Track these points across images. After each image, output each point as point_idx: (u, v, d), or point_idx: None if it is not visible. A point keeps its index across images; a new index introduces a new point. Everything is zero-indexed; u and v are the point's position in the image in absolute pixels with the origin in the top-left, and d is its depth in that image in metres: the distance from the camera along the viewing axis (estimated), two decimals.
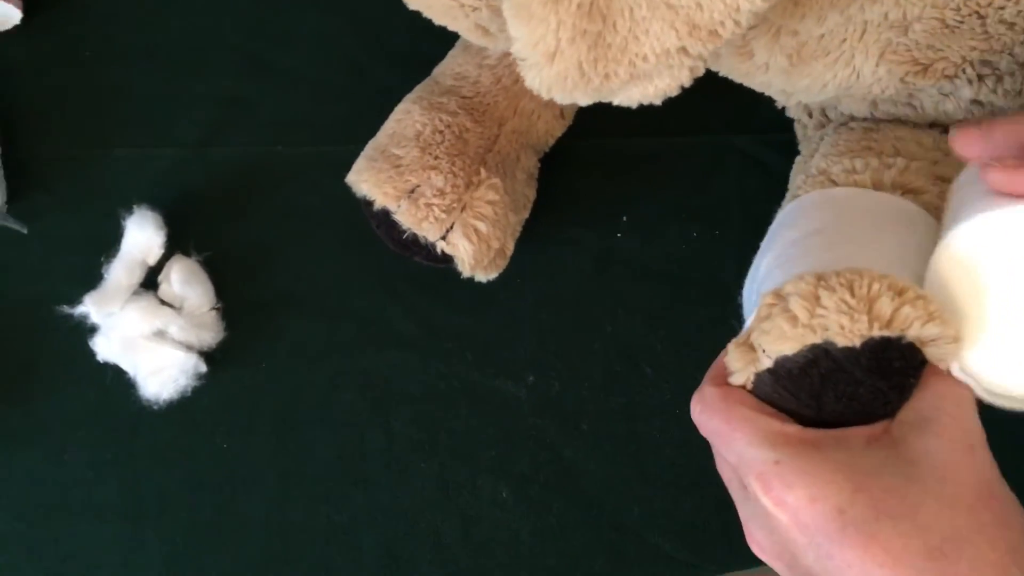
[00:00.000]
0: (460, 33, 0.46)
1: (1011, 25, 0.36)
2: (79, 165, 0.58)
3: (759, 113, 0.53)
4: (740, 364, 0.34)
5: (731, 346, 0.35)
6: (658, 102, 0.34)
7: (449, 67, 0.55)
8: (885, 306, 0.31)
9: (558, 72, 0.32)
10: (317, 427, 0.56)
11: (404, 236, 0.50)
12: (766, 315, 0.33)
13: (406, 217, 0.49)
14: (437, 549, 0.55)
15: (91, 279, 0.56)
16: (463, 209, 0.50)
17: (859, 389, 0.32)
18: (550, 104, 0.53)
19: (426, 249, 0.50)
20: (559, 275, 0.58)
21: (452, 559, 0.55)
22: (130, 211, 0.56)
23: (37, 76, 0.59)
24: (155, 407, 0.56)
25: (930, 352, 0.32)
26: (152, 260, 0.56)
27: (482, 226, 0.50)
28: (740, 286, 0.57)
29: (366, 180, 0.50)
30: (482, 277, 0.52)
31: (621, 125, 0.58)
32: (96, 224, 0.57)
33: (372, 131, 0.54)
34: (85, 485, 0.56)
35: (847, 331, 0.31)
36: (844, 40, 0.38)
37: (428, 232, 0.49)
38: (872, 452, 0.31)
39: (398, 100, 0.55)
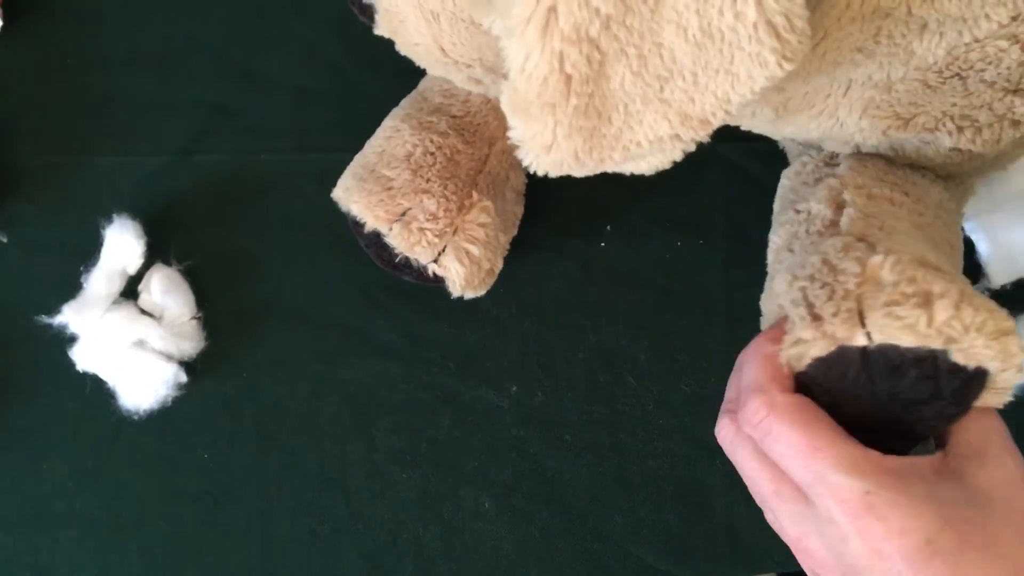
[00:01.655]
0: (453, 81, 0.46)
1: (991, 84, 0.37)
2: (59, 173, 0.58)
3: None
4: (844, 332, 0.33)
5: (837, 318, 0.34)
6: (650, 174, 0.34)
7: (436, 83, 0.54)
8: (1013, 345, 0.32)
9: (554, 160, 0.33)
10: (299, 437, 0.56)
11: (396, 260, 0.50)
12: (898, 302, 0.33)
13: (398, 241, 0.49)
14: (419, 559, 0.55)
15: (70, 288, 0.55)
16: (455, 232, 0.49)
17: (930, 403, 0.33)
18: None
19: (417, 271, 0.50)
20: (543, 284, 0.58)
21: (434, 569, 0.55)
22: (110, 219, 0.56)
23: (17, 83, 0.59)
24: (135, 417, 0.55)
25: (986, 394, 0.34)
26: (132, 269, 0.56)
27: (474, 249, 0.50)
28: (724, 294, 0.57)
29: (356, 201, 0.50)
30: (471, 295, 0.52)
31: None
32: (76, 233, 0.57)
33: (356, 139, 0.54)
34: (65, 496, 0.55)
35: (973, 353, 0.32)
36: (828, 96, 0.39)
37: (420, 256, 0.49)
38: (944, 484, 0.32)
39: (383, 108, 0.54)
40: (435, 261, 0.49)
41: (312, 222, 0.58)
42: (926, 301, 0.32)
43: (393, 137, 0.51)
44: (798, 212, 0.43)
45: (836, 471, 0.32)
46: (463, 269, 0.49)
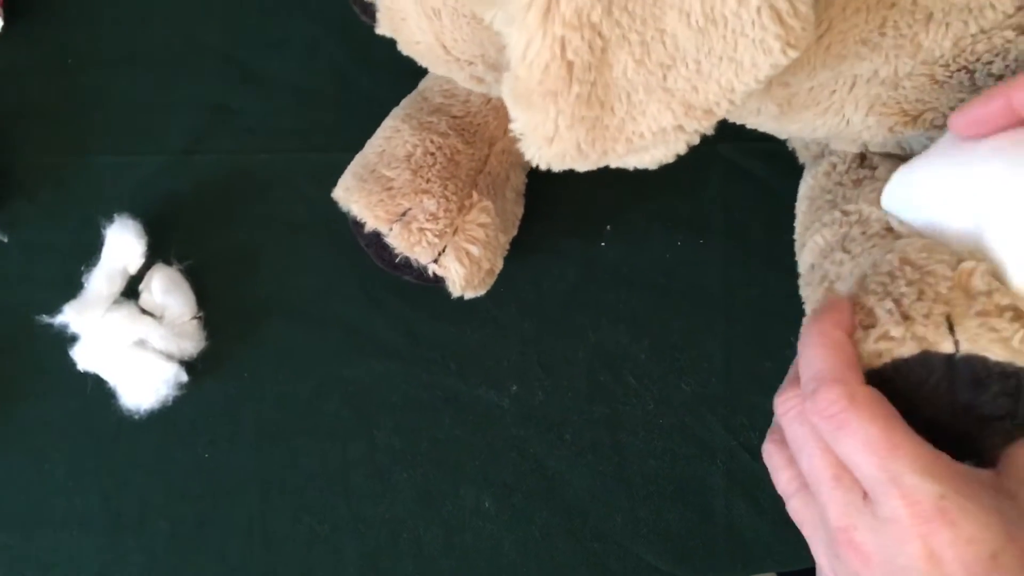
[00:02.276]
0: (455, 80, 0.46)
1: (999, 77, 0.37)
2: (60, 172, 0.58)
3: None
4: (934, 336, 0.32)
5: (929, 320, 0.32)
6: (653, 167, 0.34)
7: (437, 83, 0.54)
8: None
9: (556, 152, 0.32)
10: (299, 437, 0.56)
11: (396, 260, 0.50)
12: (991, 313, 0.32)
13: (398, 241, 0.49)
14: (419, 559, 0.55)
15: (71, 288, 0.55)
16: (455, 232, 0.49)
17: (1003, 421, 0.32)
18: None
19: (417, 271, 0.50)
20: (543, 284, 0.58)
21: (434, 569, 0.55)
22: (111, 219, 0.56)
23: (18, 83, 0.59)
24: (136, 417, 0.55)
25: None
26: (133, 269, 0.56)
27: (474, 249, 0.50)
28: (724, 293, 0.57)
29: (356, 201, 0.50)
30: (471, 295, 0.52)
31: None
32: (77, 232, 0.57)
33: (357, 138, 0.54)
34: (65, 495, 0.56)
35: None
36: (834, 92, 0.39)
37: (420, 256, 0.49)
38: (1004, 502, 0.32)
39: (383, 108, 0.54)
40: (435, 261, 0.50)
41: (313, 222, 0.58)
42: (1019, 316, 0.31)
43: (393, 137, 0.51)
44: (846, 214, 0.42)
45: (913, 472, 0.31)
46: (463, 269, 0.50)
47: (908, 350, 0.32)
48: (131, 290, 0.56)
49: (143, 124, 0.59)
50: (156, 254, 0.56)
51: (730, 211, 0.58)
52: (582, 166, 0.34)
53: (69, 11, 0.60)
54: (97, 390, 0.55)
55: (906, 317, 0.33)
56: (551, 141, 0.32)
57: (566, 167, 0.34)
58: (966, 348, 0.31)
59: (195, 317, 0.56)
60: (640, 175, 0.58)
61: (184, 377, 0.55)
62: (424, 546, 0.55)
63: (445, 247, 0.49)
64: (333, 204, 0.52)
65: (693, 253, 0.58)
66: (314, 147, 0.59)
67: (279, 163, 0.59)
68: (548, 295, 0.58)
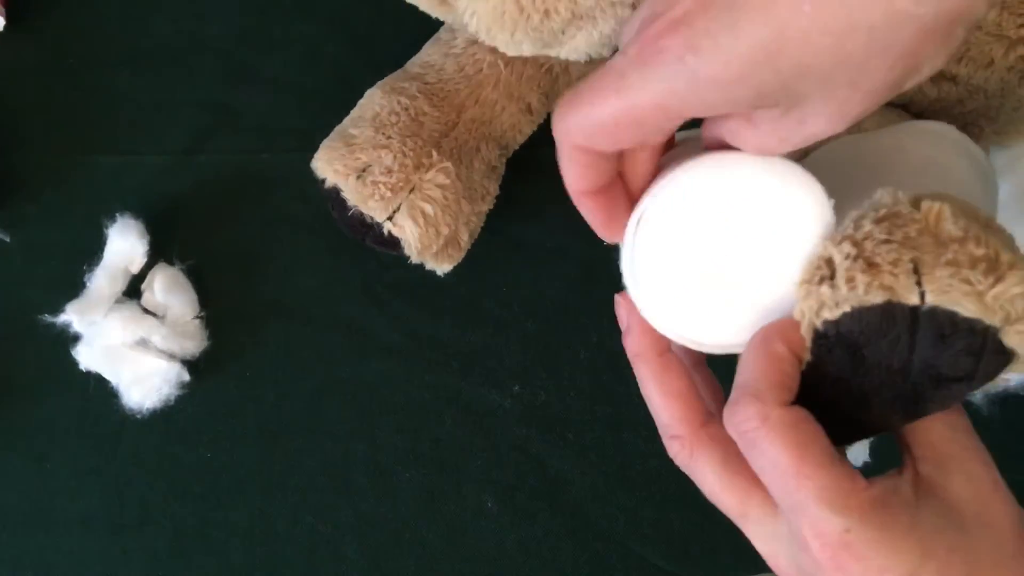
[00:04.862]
0: (419, 6, 0.46)
1: None
2: (62, 172, 0.58)
3: None
4: (903, 285, 0.29)
5: (899, 268, 0.29)
6: (606, 53, 0.33)
7: (419, 58, 0.55)
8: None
9: (494, 6, 0.31)
10: (302, 436, 0.56)
11: (350, 214, 0.50)
12: (963, 263, 0.29)
13: (353, 194, 0.49)
14: (422, 559, 0.55)
15: (73, 288, 0.55)
16: (411, 191, 0.49)
17: (960, 383, 0.30)
18: (515, 96, 0.53)
19: (378, 233, 0.50)
20: (545, 284, 0.58)
21: (437, 569, 0.55)
22: (113, 219, 0.56)
23: (20, 83, 0.59)
24: (138, 416, 0.55)
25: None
26: (135, 268, 0.56)
27: (429, 208, 0.49)
28: None
29: (319, 158, 0.50)
30: (435, 267, 0.52)
31: None
32: (79, 232, 0.56)
33: None
34: (67, 494, 0.55)
35: (1021, 338, 0.29)
36: None
37: (374, 211, 0.49)
38: (924, 504, 0.31)
39: None
40: (391, 220, 0.49)
41: (315, 222, 0.58)
42: (994, 268, 0.28)
43: (365, 103, 0.52)
44: None
45: (819, 503, 0.30)
46: (417, 229, 0.49)
47: (872, 299, 0.29)
48: (133, 290, 0.56)
49: (145, 124, 0.59)
50: (158, 254, 0.56)
51: None
52: (525, 36, 0.31)
53: (72, 11, 0.60)
54: (99, 390, 0.55)
55: (871, 264, 0.30)
56: None
57: (510, 40, 0.31)
58: (933, 300, 0.29)
59: (197, 317, 0.56)
60: None
61: (186, 377, 0.55)
62: (426, 546, 0.55)
63: (400, 204, 0.49)
64: None
65: None
66: (316, 147, 0.58)
67: (281, 163, 0.59)
68: (551, 295, 0.57)
